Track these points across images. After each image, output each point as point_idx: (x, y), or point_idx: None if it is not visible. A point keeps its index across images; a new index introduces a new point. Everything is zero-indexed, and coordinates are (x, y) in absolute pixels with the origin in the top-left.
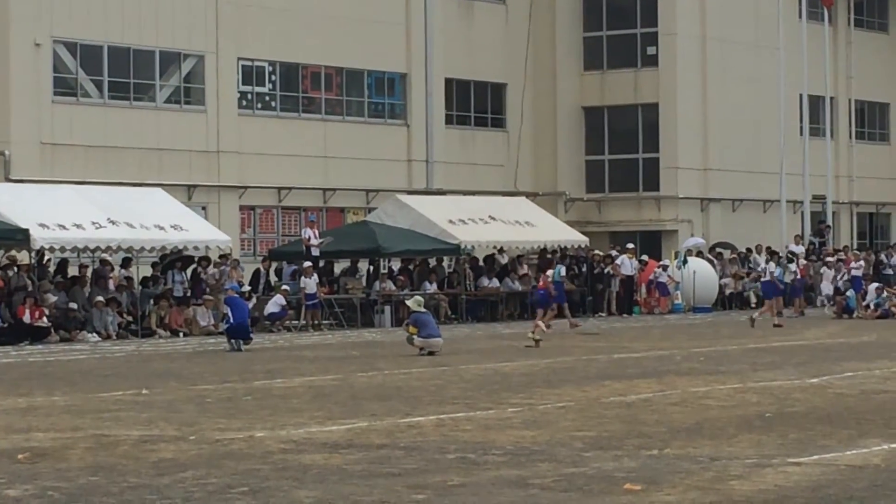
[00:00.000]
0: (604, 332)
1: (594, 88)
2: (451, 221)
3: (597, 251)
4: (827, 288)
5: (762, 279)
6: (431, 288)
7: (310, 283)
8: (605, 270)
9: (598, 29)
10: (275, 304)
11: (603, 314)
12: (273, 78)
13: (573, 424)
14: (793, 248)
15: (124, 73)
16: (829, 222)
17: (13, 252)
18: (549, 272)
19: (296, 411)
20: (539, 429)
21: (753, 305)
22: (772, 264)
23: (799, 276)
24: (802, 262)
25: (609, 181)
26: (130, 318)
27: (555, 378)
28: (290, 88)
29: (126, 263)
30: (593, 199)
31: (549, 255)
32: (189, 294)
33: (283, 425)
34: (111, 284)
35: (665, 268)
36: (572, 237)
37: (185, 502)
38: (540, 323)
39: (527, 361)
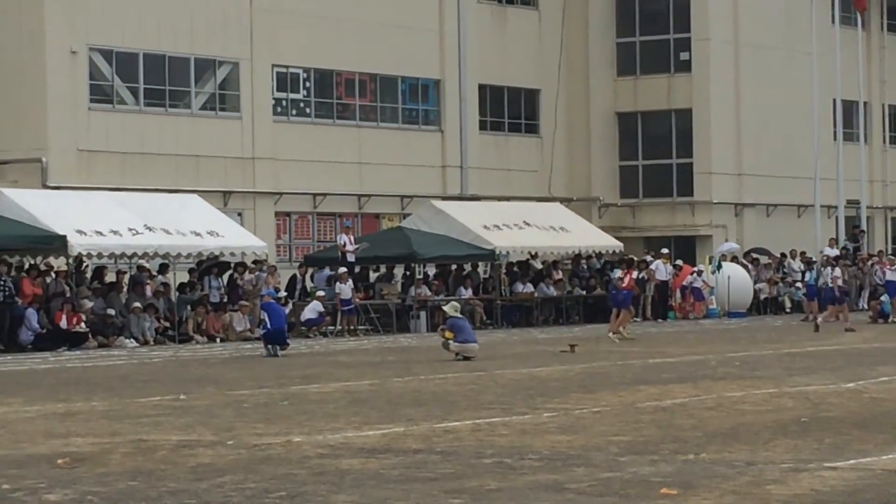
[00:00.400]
0: (639, 337)
1: (627, 94)
2: (485, 227)
3: (631, 256)
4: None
5: (828, 285)
6: (467, 293)
7: (345, 289)
8: (640, 275)
9: (631, 34)
10: (312, 310)
11: (638, 319)
12: (307, 84)
13: (609, 429)
14: (828, 251)
15: (160, 81)
16: (864, 227)
17: (51, 258)
18: (635, 273)
19: (332, 416)
20: (575, 433)
21: (788, 311)
22: (837, 269)
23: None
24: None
25: (643, 186)
26: (167, 324)
27: (590, 383)
28: (324, 95)
29: (163, 269)
30: (627, 204)
31: (630, 256)
32: (226, 300)
33: (320, 430)
34: (148, 290)
35: (699, 273)
36: (606, 242)
37: None
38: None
39: (562, 366)
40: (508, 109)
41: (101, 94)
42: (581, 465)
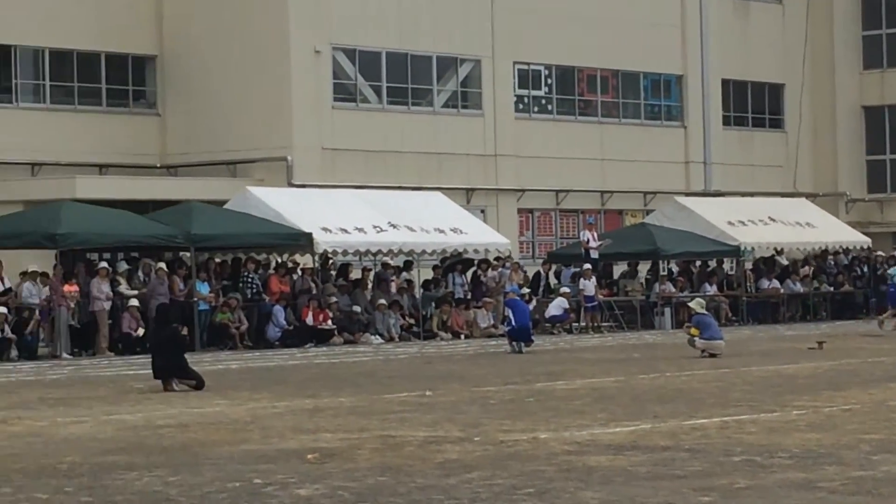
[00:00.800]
0: (889, 334)
1: (874, 87)
2: (730, 223)
3: (879, 252)
4: None
5: None
6: (711, 290)
7: (589, 286)
8: (889, 271)
9: (878, 27)
10: (557, 306)
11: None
12: (549, 81)
13: (860, 427)
14: None
15: (402, 79)
16: None
17: (297, 256)
18: None
19: (578, 413)
20: (825, 431)
21: None
22: None
23: None
24: None
25: (891, 181)
26: (412, 321)
27: (839, 380)
28: (566, 91)
29: (407, 266)
30: (875, 199)
31: None
32: (469, 296)
33: (566, 427)
34: (393, 287)
35: None
36: (854, 238)
37: (471, 503)
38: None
39: (810, 364)
40: (752, 104)
41: (344, 93)
42: (832, 464)
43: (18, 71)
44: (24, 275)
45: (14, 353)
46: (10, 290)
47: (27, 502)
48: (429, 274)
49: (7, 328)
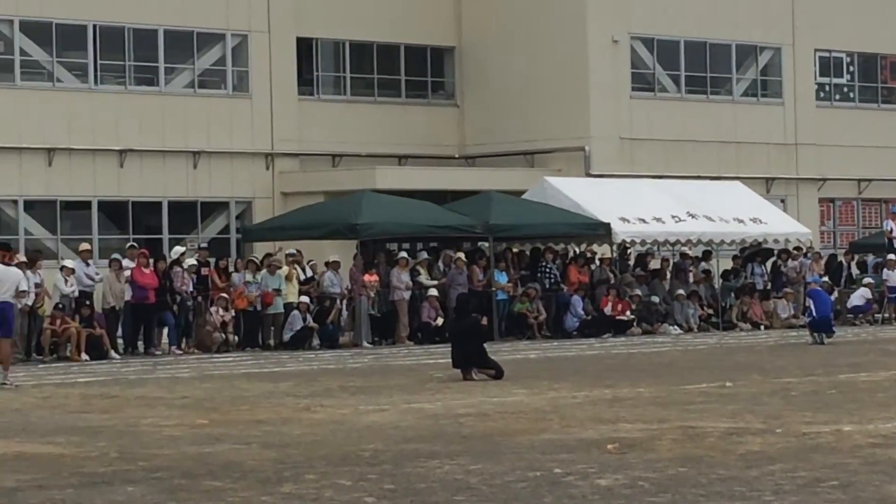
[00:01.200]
0: None
1: None
2: None
3: None
4: None
5: None
6: None
7: (892, 276)
8: None
9: None
10: (860, 297)
11: None
12: (851, 69)
13: None
14: None
15: (700, 68)
16: None
17: (595, 246)
18: None
19: (883, 405)
20: None
21: None
22: None
23: None
24: None
25: None
26: (711, 311)
27: None
28: (868, 79)
29: (706, 256)
30: None
31: None
32: (769, 287)
33: (870, 419)
34: (691, 277)
35: None
36: None
37: (774, 495)
38: None
39: None
40: None
41: (642, 83)
42: None
43: (320, 63)
44: (326, 264)
45: (316, 341)
46: (312, 279)
47: (331, 489)
48: (728, 264)
49: (309, 317)
